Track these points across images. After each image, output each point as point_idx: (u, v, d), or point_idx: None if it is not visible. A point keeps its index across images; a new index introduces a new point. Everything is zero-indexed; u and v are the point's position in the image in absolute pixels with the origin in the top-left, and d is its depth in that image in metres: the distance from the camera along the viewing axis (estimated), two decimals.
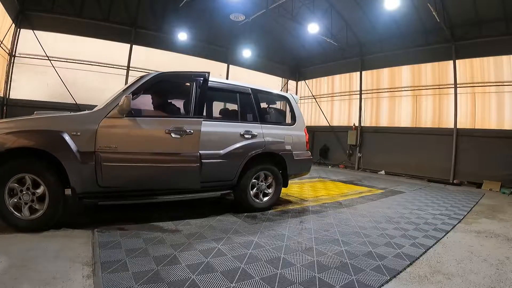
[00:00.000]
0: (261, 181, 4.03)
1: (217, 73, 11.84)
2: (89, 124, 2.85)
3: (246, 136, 3.84)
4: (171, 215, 3.46)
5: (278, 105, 5.61)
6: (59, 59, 8.69)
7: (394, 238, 3.10)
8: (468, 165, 8.26)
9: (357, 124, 11.24)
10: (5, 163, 2.63)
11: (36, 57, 8.41)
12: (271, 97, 4.78)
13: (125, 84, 9.57)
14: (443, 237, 3.25)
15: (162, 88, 3.46)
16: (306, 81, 13.85)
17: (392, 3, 7.30)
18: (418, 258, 2.60)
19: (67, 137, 2.73)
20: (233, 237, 2.89)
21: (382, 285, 2.07)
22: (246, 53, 11.80)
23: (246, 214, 3.76)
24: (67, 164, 2.72)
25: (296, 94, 14.08)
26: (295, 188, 5.87)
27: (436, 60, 9.22)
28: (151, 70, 10.12)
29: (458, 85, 8.60)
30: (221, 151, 3.61)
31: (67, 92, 8.72)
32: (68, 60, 8.81)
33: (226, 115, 4.32)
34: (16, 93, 8.21)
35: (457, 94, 8.62)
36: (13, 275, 1.89)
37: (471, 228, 3.72)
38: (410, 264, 2.45)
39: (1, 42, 7.38)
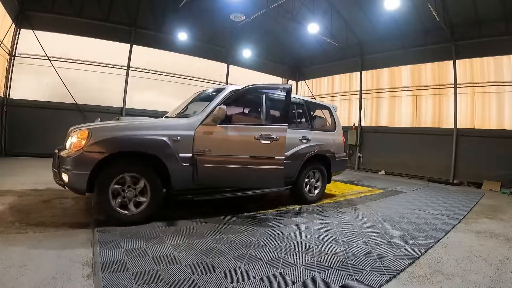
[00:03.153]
0: (312, 178, 4.70)
1: (217, 73, 11.84)
2: (187, 131, 3.27)
3: (304, 140, 4.47)
4: (171, 215, 3.46)
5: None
6: (59, 59, 8.69)
7: (394, 238, 3.10)
8: (468, 165, 8.26)
9: (357, 124, 11.24)
10: (113, 163, 2.92)
11: (36, 57, 8.41)
12: (316, 107, 5.43)
13: (125, 84, 9.63)
14: (443, 237, 3.25)
15: (250, 99, 3.99)
16: (306, 81, 13.85)
17: (392, 3, 7.30)
18: (418, 258, 2.60)
19: (169, 142, 3.13)
20: (233, 237, 2.89)
21: (382, 285, 2.07)
22: (246, 53, 11.79)
23: (246, 214, 3.76)
24: (170, 165, 3.12)
25: (296, 94, 14.10)
26: None
27: (436, 60, 9.22)
28: (151, 70, 10.16)
29: (458, 85, 8.60)
30: (287, 153, 4.08)
31: (67, 92, 8.73)
32: (68, 60, 8.81)
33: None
34: (16, 93, 8.21)
35: (457, 94, 8.62)
36: (13, 275, 1.89)
37: (471, 228, 3.72)
38: (410, 264, 2.45)
39: (1, 42, 7.38)
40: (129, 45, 9.68)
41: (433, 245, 2.97)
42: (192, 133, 3.25)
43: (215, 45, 11.49)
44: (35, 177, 5.32)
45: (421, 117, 9.69)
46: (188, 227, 3.11)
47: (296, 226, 3.36)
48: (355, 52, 11.26)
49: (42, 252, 2.26)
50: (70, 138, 3.09)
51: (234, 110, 4.02)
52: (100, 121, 3.95)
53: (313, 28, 9.61)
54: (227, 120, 3.49)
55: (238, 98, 3.63)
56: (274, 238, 2.91)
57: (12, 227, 2.76)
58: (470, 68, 8.48)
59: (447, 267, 2.43)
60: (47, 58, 8.48)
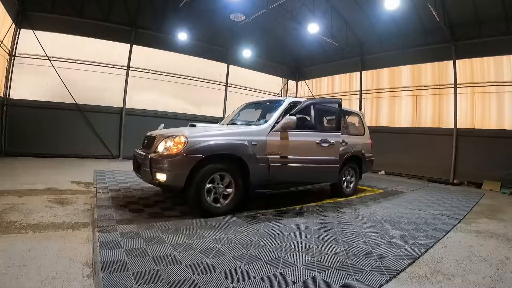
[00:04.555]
0: (348, 176, 5.40)
1: (217, 73, 11.84)
2: (261, 136, 3.84)
3: (343, 144, 5.05)
4: (171, 215, 3.46)
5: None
6: (59, 59, 8.69)
7: (394, 238, 3.10)
8: (468, 165, 8.25)
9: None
10: (207, 164, 3.40)
11: (36, 57, 8.41)
12: (349, 114, 6.10)
13: (125, 84, 9.63)
14: (443, 237, 3.25)
15: (309, 110, 4.55)
16: (306, 81, 13.84)
17: (392, 3, 7.28)
18: (418, 258, 2.60)
19: (249, 146, 3.68)
20: (233, 237, 2.89)
21: (382, 285, 2.07)
22: (246, 53, 11.79)
23: (246, 214, 3.76)
24: (250, 165, 3.66)
25: (296, 94, 14.13)
26: None
27: (436, 60, 9.21)
28: (151, 70, 10.17)
29: (458, 85, 8.60)
30: None
31: (67, 92, 8.73)
32: (68, 60, 8.81)
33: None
34: (16, 93, 8.21)
35: (457, 94, 8.61)
36: (13, 275, 1.89)
37: (471, 228, 3.72)
38: (410, 264, 2.45)
39: (1, 42, 7.38)
40: (129, 45, 9.67)
41: (433, 245, 2.97)
42: (265, 138, 3.83)
43: (215, 45, 11.48)
44: (35, 177, 5.32)
45: (421, 117, 9.68)
46: (188, 227, 3.12)
47: (296, 226, 3.36)
48: (355, 52, 11.25)
49: (42, 252, 2.27)
50: (163, 142, 3.49)
51: (304, 119, 4.59)
52: (164, 127, 4.61)
53: (313, 28, 9.60)
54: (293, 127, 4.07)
55: (301, 109, 4.17)
56: (274, 238, 2.91)
57: (12, 227, 2.76)
58: (470, 68, 8.48)
59: (447, 267, 2.43)
60: (47, 58, 8.48)
